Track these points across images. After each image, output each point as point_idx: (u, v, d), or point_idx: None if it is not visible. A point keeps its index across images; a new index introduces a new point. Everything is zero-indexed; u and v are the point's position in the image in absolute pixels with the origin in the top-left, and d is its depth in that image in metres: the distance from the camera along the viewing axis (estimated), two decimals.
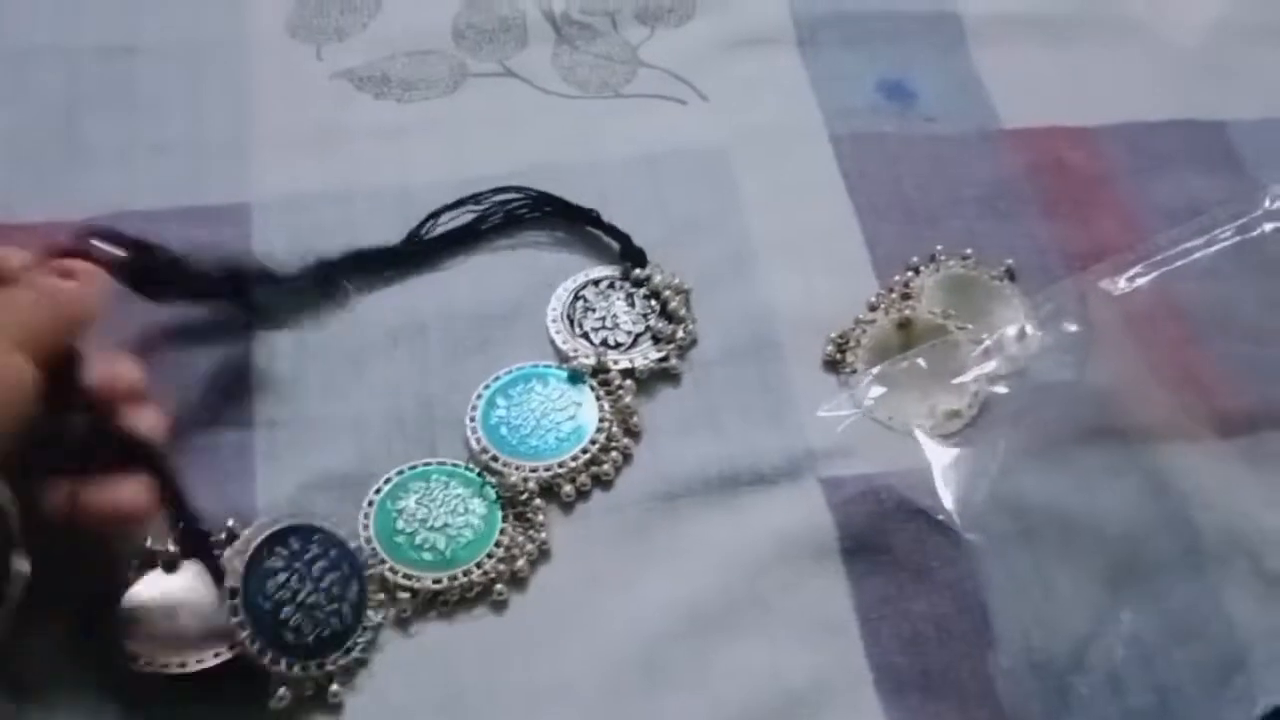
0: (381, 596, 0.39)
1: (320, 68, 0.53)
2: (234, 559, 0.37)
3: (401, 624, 0.39)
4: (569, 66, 0.54)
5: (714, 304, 0.47)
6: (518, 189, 0.48)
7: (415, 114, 0.52)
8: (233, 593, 0.36)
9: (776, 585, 0.40)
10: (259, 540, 0.37)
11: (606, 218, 0.48)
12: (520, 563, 0.40)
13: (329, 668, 0.37)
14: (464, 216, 0.48)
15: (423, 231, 0.47)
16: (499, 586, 0.39)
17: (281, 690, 0.36)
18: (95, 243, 0.40)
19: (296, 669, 0.37)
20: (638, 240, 0.48)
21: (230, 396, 0.43)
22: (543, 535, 0.41)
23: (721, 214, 0.49)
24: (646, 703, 0.38)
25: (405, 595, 0.39)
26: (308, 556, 0.38)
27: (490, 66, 0.54)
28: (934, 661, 0.39)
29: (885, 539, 0.41)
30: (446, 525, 0.41)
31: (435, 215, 0.47)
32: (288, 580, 0.37)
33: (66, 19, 0.53)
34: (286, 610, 0.37)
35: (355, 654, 0.38)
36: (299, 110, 0.51)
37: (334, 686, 0.37)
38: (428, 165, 0.50)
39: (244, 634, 0.36)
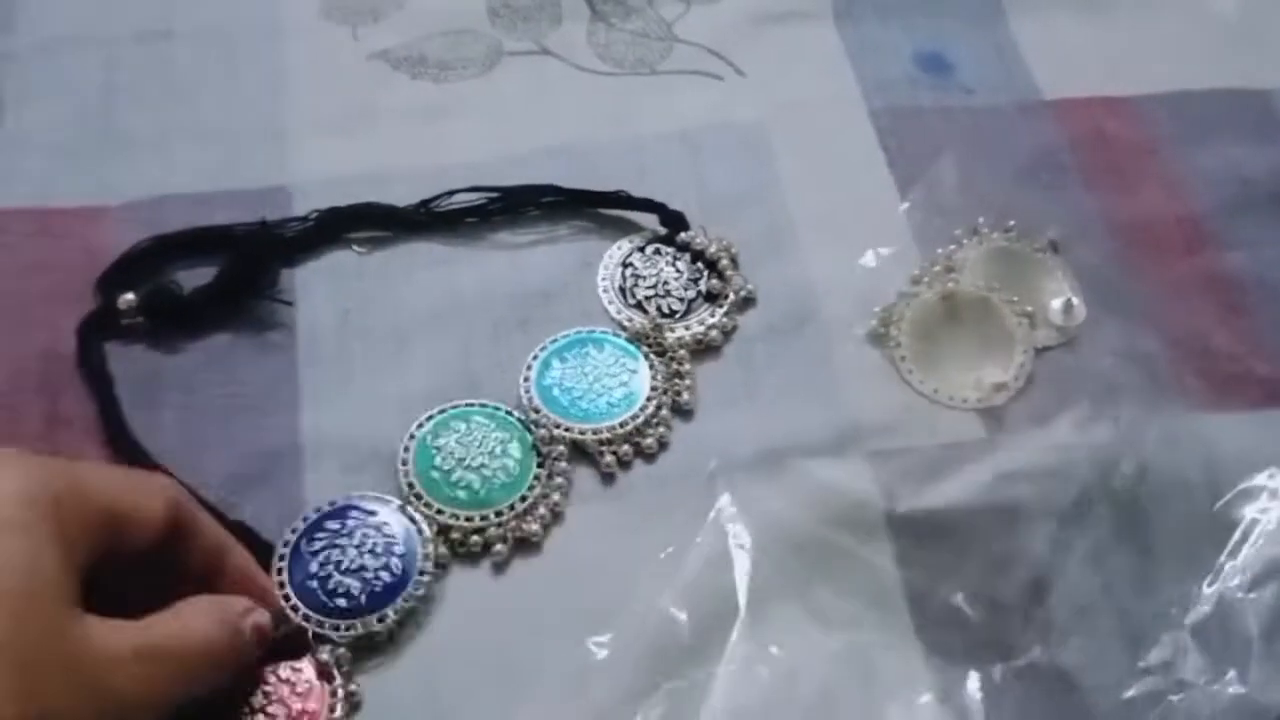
0: (428, 534, 0.39)
1: (356, 49, 0.53)
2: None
3: (440, 566, 0.39)
4: (605, 44, 0.54)
5: (755, 279, 0.46)
6: (538, 187, 0.47)
7: (452, 94, 0.52)
8: (280, 585, 0.38)
9: (822, 560, 0.40)
10: (295, 539, 0.39)
11: (643, 194, 0.48)
12: (535, 526, 0.40)
13: (391, 616, 0.38)
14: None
15: (435, 205, 0.47)
16: (498, 546, 0.39)
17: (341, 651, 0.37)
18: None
19: (357, 628, 0.38)
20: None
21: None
22: (555, 498, 0.41)
23: (761, 189, 0.49)
24: (691, 673, 0.37)
25: (445, 537, 0.40)
26: (344, 529, 0.39)
27: (526, 45, 0.53)
28: (983, 634, 0.39)
29: (933, 512, 0.41)
30: (483, 465, 0.41)
31: (451, 194, 0.47)
32: (329, 556, 0.39)
33: (102, 6, 0.53)
34: (334, 580, 0.38)
35: (414, 600, 0.38)
36: (336, 92, 0.51)
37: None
38: (465, 145, 0.50)
39: (298, 614, 0.37)
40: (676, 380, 0.44)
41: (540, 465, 0.41)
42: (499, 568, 0.40)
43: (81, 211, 0.47)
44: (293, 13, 0.53)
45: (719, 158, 0.50)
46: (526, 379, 0.43)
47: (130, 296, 0.43)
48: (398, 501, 0.40)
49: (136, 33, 0.52)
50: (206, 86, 0.51)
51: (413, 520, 0.40)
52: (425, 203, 0.47)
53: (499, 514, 0.40)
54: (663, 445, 0.42)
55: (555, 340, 0.44)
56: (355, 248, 0.46)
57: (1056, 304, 0.46)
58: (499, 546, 0.40)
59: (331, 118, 0.50)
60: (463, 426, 0.42)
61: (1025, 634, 0.39)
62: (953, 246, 0.47)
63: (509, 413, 0.42)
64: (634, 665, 0.38)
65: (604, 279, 0.46)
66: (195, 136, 0.49)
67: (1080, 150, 0.51)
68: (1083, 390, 0.44)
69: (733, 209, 0.48)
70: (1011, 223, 0.48)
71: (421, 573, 0.39)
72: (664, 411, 0.43)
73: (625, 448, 0.42)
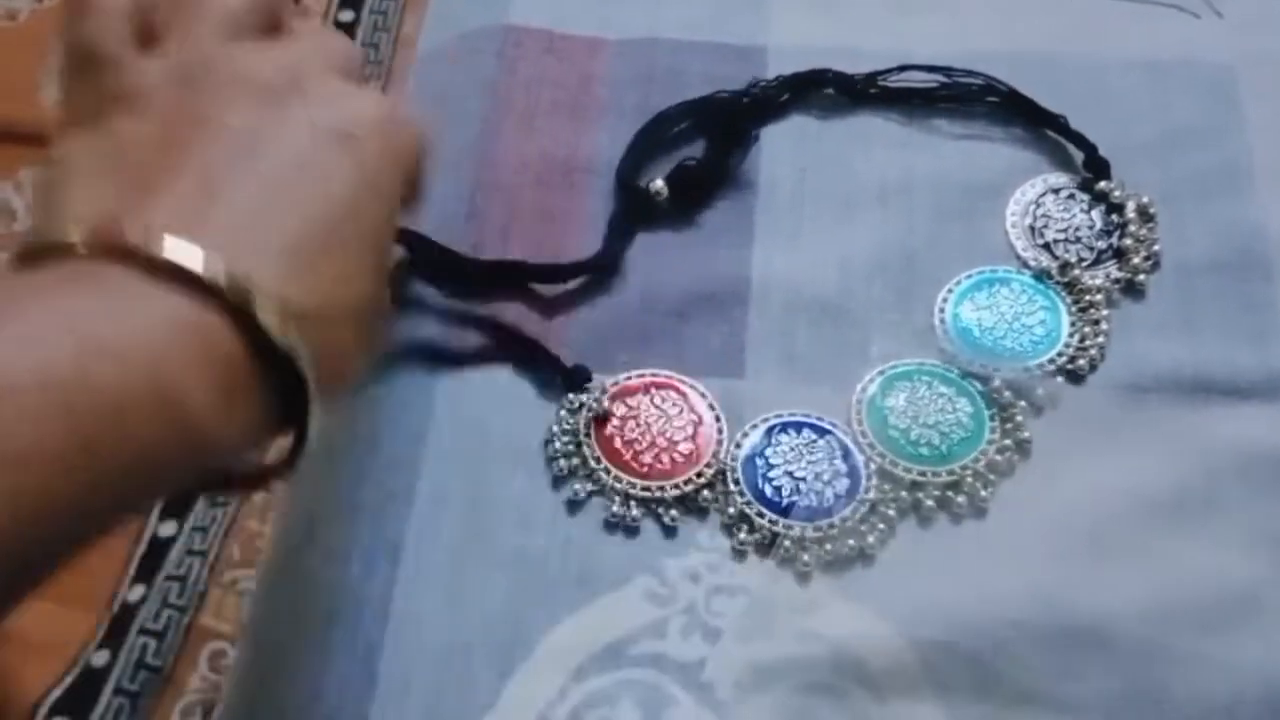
0: (886, 488, 0.41)
1: None
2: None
3: (915, 514, 0.41)
4: None
5: (1202, 214, 0.46)
6: (986, 84, 0.49)
7: None
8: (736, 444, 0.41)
9: (1232, 493, 0.41)
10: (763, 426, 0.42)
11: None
12: (1002, 458, 0.41)
13: (802, 533, 0.40)
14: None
15: (885, 79, 0.49)
16: (982, 492, 0.41)
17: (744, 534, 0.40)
18: None
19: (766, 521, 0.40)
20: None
21: None
22: (1025, 434, 0.42)
23: (1221, 129, 0.49)
24: (1089, 570, 0.40)
25: (910, 490, 0.41)
26: (799, 443, 0.42)
27: None
28: None
29: None
30: (938, 423, 0.42)
31: (903, 69, 0.49)
32: (781, 452, 0.41)
33: None
34: (775, 472, 0.41)
35: (825, 537, 0.40)
36: None
37: (805, 557, 0.39)
38: (933, 37, 0.51)
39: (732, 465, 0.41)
40: (1092, 310, 0.44)
41: (993, 419, 0.42)
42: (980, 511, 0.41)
43: (583, 40, 0.52)
44: None
45: (1181, 92, 0.50)
46: (942, 321, 0.44)
47: (660, 184, 0.47)
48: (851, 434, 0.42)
49: None
50: None
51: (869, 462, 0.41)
52: (874, 75, 0.50)
53: (965, 468, 0.41)
54: (1093, 367, 0.43)
55: (959, 282, 0.45)
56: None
57: None
58: (984, 492, 0.41)
59: None
60: (908, 386, 0.43)
61: None
62: None
63: (947, 369, 0.43)
64: (1041, 557, 0.40)
65: (1012, 213, 0.47)
66: None
67: None
68: None
69: (1187, 142, 0.48)
70: None
71: (850, 515, 0.40)
72: (1087, 346, 0.44)
73: (1059, 379, 0.43)
